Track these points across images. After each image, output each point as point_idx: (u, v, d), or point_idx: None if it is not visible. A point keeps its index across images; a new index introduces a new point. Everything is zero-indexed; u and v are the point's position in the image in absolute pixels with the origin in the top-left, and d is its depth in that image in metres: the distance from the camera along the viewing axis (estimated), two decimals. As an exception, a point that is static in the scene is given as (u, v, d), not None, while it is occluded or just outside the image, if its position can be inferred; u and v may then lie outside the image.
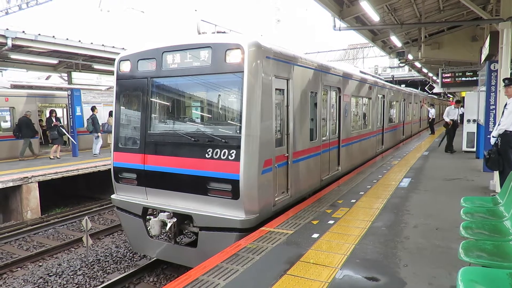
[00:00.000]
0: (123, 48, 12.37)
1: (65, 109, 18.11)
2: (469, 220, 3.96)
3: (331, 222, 5.82)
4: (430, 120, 22.38)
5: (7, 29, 10.58)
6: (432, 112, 22.19)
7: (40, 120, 17.83)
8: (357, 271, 4.08)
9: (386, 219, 5.92)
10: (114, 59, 7.17)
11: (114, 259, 7.96)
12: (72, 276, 7.16)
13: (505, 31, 7.76)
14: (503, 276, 2.57)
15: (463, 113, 14.00)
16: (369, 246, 4.80)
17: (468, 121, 13.44)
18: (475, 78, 17.24)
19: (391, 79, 31.44)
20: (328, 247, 4.78)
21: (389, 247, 4.74)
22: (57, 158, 14.15)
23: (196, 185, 5.91)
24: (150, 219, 6.35)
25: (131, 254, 8.16)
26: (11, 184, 10.22)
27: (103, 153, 15.06)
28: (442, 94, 38.70)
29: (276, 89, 6.10)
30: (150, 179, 6.45)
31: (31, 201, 10.68)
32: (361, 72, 12.44)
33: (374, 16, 10.29)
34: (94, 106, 15.28)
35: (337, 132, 9.21)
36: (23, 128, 13.74)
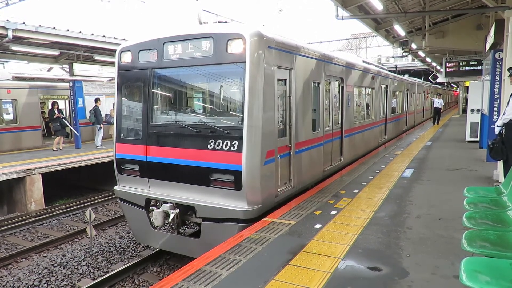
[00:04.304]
0: (124, 39, 12.26)
1: (67, 101, 18.09)
2: (472, 210, 3.95)
3: (333, 212, 5.82)
4: (440, 110, 22.20)
5: (8, 20, 10.51)
6: (440, 102, 21.90)
7: (43, 112, 17.83)
8: (359, 261, 4.09)
9: (388, 210, 5.92)
10: (115, 50, 7.12)
11: (118, 249, 8.03)
12: (76, 267, 7.22)
13: (511, 19, 7.64)
14: (506, 266, 2.57)
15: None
16: (371, 236, 4.80)
17: (472, 110, 13.34)
18: (479, 68, 17.11)
19: (394, 69, 31.22)
20: (330, 238, 4.79)
21: (392, 237, 4.75)
22: (60, 149, 14.20)
23: (199, 176, 5.91)
24: (153, 210, 6.37)
25: (134, 245, 8.22)
26: (14, 176, 10.28)
27: (105, 144, 15.09)
28: (445, 84, 38.38)
29: (278, 79, 6.05)
30: (152, 171, 6.45)
31: (35, 192, 10.75)
32: (364, 62, 12.34)
33: (377, 4, 10.16)
34: (98, 98, 15.27)
35: (340, 122, 9.16)
36: None
